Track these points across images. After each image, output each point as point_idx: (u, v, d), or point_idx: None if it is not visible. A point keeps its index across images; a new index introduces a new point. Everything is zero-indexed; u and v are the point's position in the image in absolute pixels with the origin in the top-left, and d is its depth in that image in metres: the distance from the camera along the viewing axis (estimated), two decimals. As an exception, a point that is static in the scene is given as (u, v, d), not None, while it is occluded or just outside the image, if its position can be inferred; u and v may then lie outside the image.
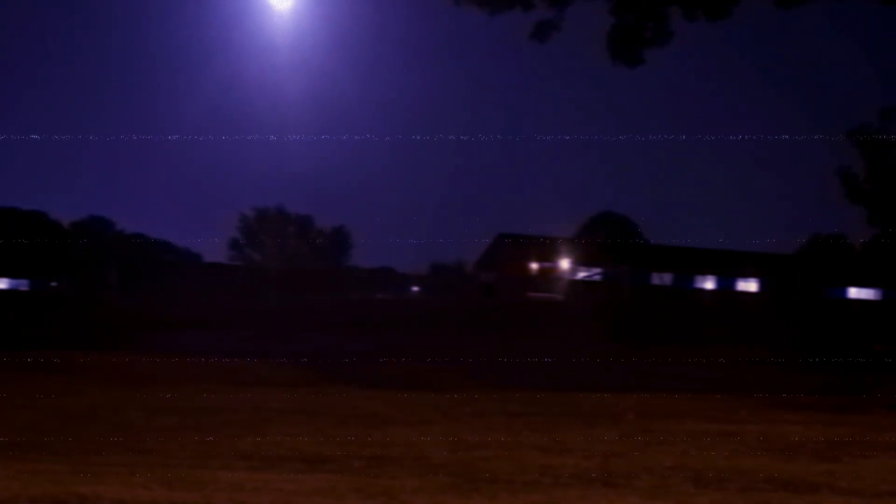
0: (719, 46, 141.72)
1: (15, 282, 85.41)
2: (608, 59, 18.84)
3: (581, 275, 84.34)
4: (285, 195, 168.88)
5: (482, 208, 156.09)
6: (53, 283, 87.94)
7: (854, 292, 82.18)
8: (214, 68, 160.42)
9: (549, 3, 18.17)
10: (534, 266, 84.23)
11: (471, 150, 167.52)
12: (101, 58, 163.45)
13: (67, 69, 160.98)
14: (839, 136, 44.41)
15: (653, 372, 25.05)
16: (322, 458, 9.22)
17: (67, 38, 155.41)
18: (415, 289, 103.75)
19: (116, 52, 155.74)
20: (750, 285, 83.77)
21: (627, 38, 18.59)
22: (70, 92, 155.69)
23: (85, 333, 33.67)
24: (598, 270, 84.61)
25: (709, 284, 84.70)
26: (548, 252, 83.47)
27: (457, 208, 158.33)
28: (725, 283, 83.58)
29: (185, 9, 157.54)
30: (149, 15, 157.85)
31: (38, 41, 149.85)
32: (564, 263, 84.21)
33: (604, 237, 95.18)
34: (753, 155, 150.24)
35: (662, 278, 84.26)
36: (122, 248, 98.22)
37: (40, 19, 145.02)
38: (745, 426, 11.82)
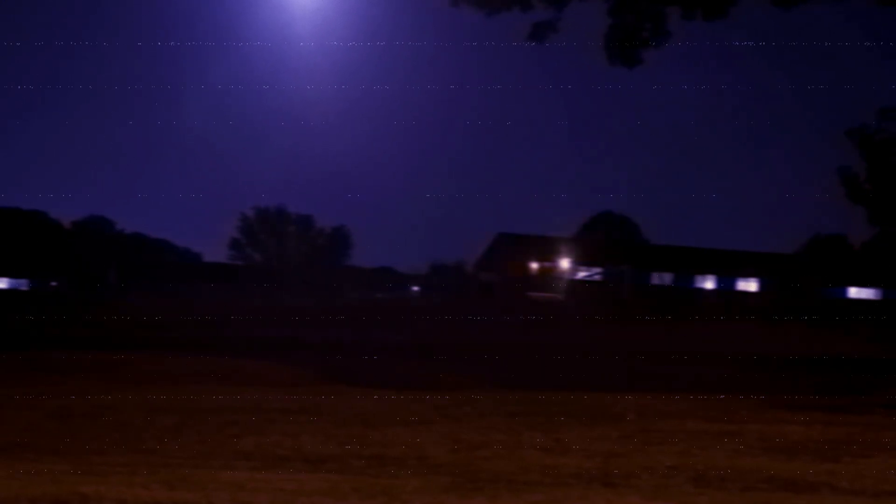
0: (718, 46, 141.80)
1: (15, 281, 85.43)
2: (606, 59, 18.87)
3: (581, 275, 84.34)
4: (286, 195, 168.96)
5: (482, 208, 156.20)
6: (53, 283, 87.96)
7: (854, 292, 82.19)
8: (216, 67, 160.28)
9: (546, 4, 18.20)
10: (534, 266, 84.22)
11: (470, 149, 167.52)
12: (102, 56, 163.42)
13: (67, 68, 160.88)
14: (839, 136, 44.36)
15: (652, 371, 25.05)
16: (323, 458, 9.23)
17: (67, 37, 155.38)
18: (415, 288, 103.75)
19: (117, 51, 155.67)
20: (750, 285, 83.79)
21: (625, 38, 18.62)
22: (70, 91, 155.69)
23: (85, 333, 33.66)
24: (598, 270, 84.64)
25: (709, 284, 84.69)
26: (548, 252, 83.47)
27: (457, 208, 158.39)
28: (726, 283, 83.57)
29: (184, 9, 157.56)
30: (150, 14, 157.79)
31: (37, 40, 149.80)
32: (564, 263, 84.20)
33: (604, 237, 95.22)
34: (753, 154, 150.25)
35: (662, 278, 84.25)
36: (122, 247, 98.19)
37: (38, 17, 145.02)
38: (746, 426, 11.81)
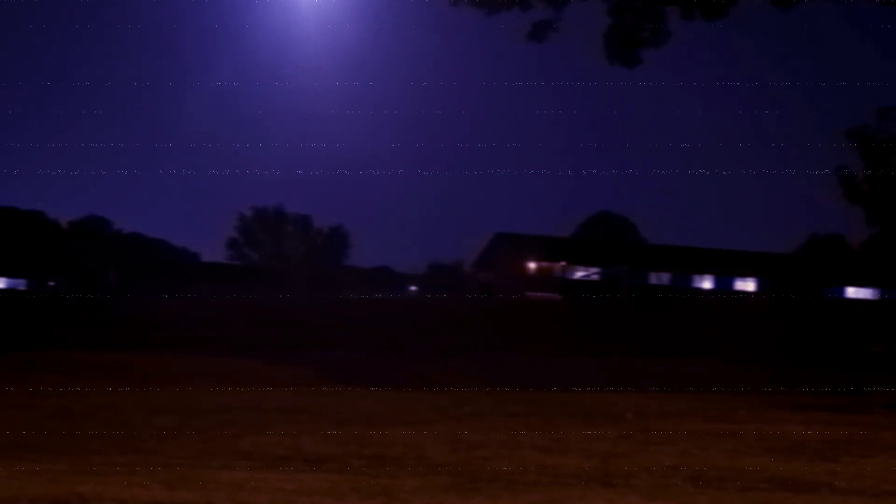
0: (717, 46, 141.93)
1: (13, 281, 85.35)
2: (606, 59, 18.87)
3: (579, 274, 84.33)
4: (284, 195, 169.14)
5: (480, 208, 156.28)
6: (51, 283, 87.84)
7: (852, 292, 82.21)
8: (215, 67, 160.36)
9: (546, 4, 18.19)
10: (532, 266, 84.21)
11: (468, 149, 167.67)
12: (101, 56, 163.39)
13: (65, 68, 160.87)
14: (838, 136, 44.35)
15: (651, 371, 25.04)
16: (322, 458, 9.22)
17: (65, 36, 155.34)
18: (413, 288, 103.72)
19: (115, 50, 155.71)
20: (748, 285, 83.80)
21: (625, 38, 18.61)
22: (68, 91, 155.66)
23: (84, 333, 33.63)
24: (595, 270, 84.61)
25: (707, 284, 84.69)
26: (546, 252, 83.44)
27: (455, 208, 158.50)
28: (723, 283, 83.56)
29: (182, 10, 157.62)
30: (149, 14, 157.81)
31: (36, 38, 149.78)
32: (562, 263, 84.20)
33: (602, 237, 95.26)
34: (752, 154, 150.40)
35: (660, 278, 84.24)
36: (120, 247, 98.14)
37: (37, 16, 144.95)
38: (745, 426, 11.83)
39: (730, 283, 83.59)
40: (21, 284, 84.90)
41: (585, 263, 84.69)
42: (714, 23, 18.49)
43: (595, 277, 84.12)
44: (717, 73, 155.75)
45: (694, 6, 18.19)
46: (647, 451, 9.62)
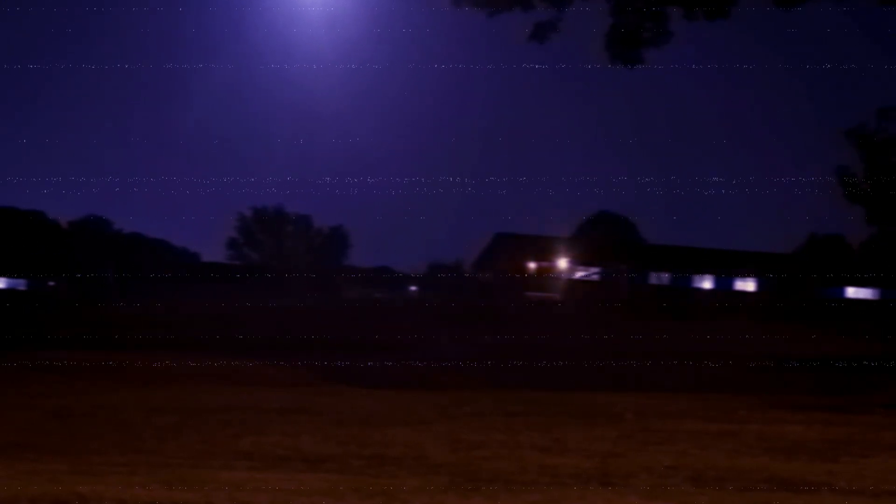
0: (718, 46, 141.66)
1: (13, 281, 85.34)
2: (607, 58, 18.89)
3: (579, 274, 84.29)
4: (284, 195, 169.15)
5: (480, 208, 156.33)
6: (51, 283, 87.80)
7: (852, 292, 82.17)
8: (216, 67, 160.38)
9: (548, 4, 18.21)
10: (532, 266, 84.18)
11: (469, 149, 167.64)
12: (101, 56, 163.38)
13: (66, 67, 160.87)
14: (838, 136, 44.34)
15: (651, 371, 25.04)
16: (322, 458, 9.22)
17: (66, 35, 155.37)
18: (413, 288, 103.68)
19: (116, 50, 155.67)
20: (748, 285, 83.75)
21: (626, 38, 18.63)
22: (68, 90, 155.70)
23: (84, 333, 33.62)
24: (596, 270, 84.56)
25: (707, 284, 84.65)
26: (546, 252, 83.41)
27: (455, 208, 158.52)
28: (723, 283, 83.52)
29: (186, 8, 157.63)
30: (149, 14, 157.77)
31: (36, 37, 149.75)
32: (562, 263, 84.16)
33: (602, 236, 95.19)
34: (752, 154, 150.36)
35: (660, 278, 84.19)
36: (120, 247, 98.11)
37: (37, 15, 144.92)
38: (745, 426, 11.82)
39: (730, 283, 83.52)
40: (21, 284, 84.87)
41: (585, 263, 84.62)
42: (715, 22, 18.51)
43: (595, 277, 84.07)
44: (718, 72, 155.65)
45: (696, 6, 18.20)
46: (646, 451, 9.62)
